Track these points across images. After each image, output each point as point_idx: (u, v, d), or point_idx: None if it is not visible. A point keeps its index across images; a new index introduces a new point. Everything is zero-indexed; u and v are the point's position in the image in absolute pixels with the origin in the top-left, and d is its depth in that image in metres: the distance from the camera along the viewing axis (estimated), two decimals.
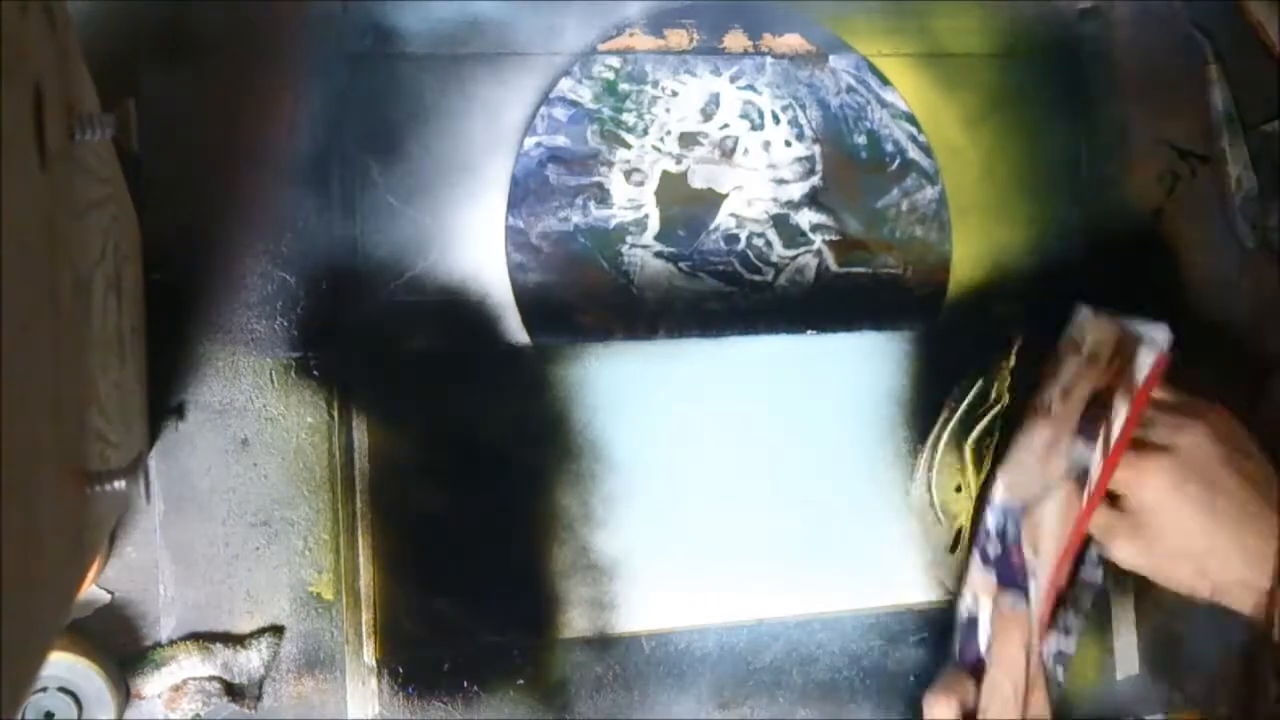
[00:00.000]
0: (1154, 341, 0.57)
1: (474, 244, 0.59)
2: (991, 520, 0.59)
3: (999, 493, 0.59)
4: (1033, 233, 0.65)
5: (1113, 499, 0.56)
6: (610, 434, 0.59)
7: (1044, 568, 0.56)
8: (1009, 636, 0.56)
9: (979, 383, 0.62)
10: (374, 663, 0.57)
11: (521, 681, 0.58)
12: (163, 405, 0.55)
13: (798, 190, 0.63)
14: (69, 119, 0.34)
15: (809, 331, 0.62)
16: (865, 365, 0.62)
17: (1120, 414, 0.56)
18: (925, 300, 0.64)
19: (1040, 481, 0.57)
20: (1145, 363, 0.57)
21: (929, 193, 0.64)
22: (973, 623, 0.59)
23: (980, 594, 0.59)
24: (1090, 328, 0.59)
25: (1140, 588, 0.65)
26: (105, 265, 0.40)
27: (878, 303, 0.63)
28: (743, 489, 0.61)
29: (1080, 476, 0.56)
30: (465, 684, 0.58)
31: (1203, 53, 0.68)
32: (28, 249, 0.27)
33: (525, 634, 0.59)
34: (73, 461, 0.33)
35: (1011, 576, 0.57)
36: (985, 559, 0.59)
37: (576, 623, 0.59)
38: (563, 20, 0.60)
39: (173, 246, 0.56)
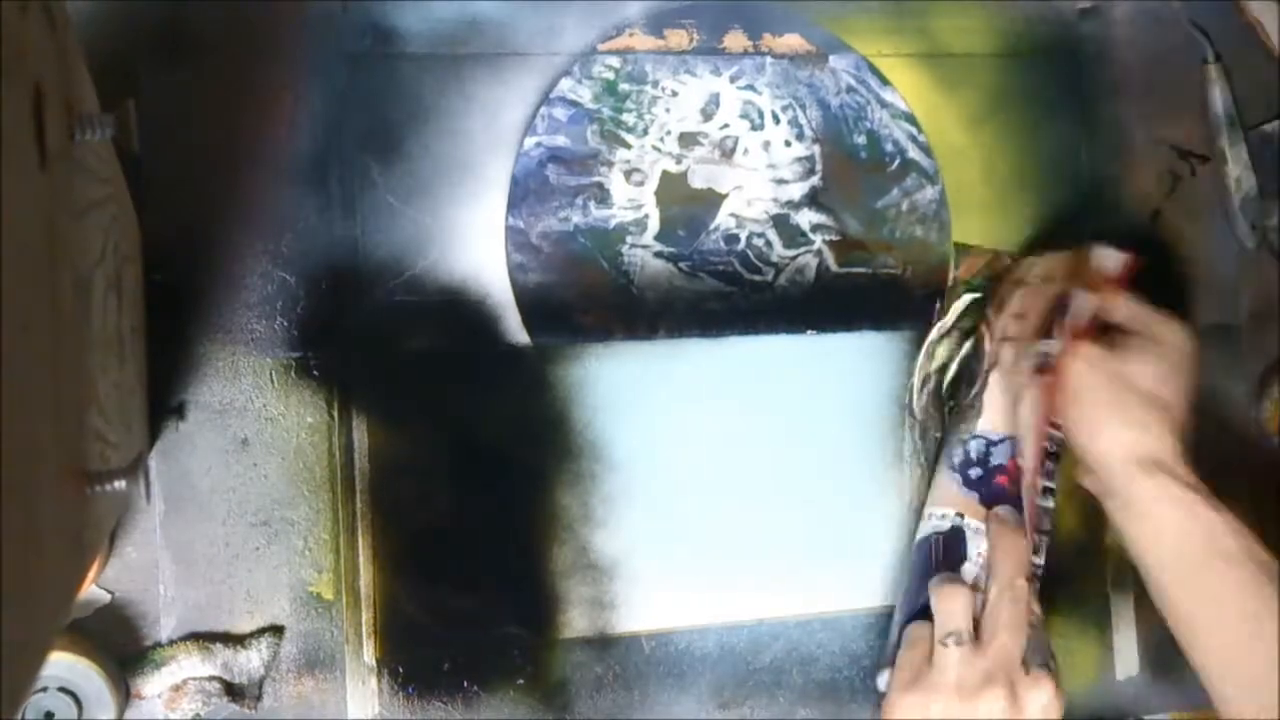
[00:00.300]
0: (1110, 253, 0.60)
1: (474, 244, 0.59)
2: (974, 446, 0.60)
3: (983, 422, 0.60)
4: (1032, 233, 0.65)
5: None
6: (610, 434, 0.60)
7: (1028, 458, 0.58)
8: (1014, 541, 0.56)
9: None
10: (374, 662, 0.57)
11: (521, 681, 0.59)
12: (163, 405, 0.55)
13: (798, 190, 0.63)
14: (69, 119, 0.34)
15: (809, 331, 0.62)
16: (865, 365, 0.62)
17: (1080, 298, 0.58)
18: (925, 300, 0.64)
19: (1016, 399, 0.59)
20: (1110, 261, 0.59)
21: (929, 193, 0.65)
22: (958, 533, 0.59)
23: (966, 514, 0.59)
24: (1030, 265, 0.62)
25: (1141, 588, 0.65)
26: (105, 265, 0.40)
27: (877, 303, 0.63)
28: (743, 489, 0.61)
29: (1044, 365, 0.58)
30: (465, 684, 0.58)
31: (1202, 52, 0.68)
32: (28, 249, 0.27)
33: (525, 634, 0.59)
34: (73, 461, 0.33)
35: (995, 497, 0.59)
36: (968, 482, 0.60)
37: (576, 622, 0.59)
38: (562, 20, 0.60)
39: (173, 246, 0.56)
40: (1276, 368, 0.67)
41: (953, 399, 0.63)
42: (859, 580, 0.62)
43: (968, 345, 0.63)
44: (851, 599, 0.62)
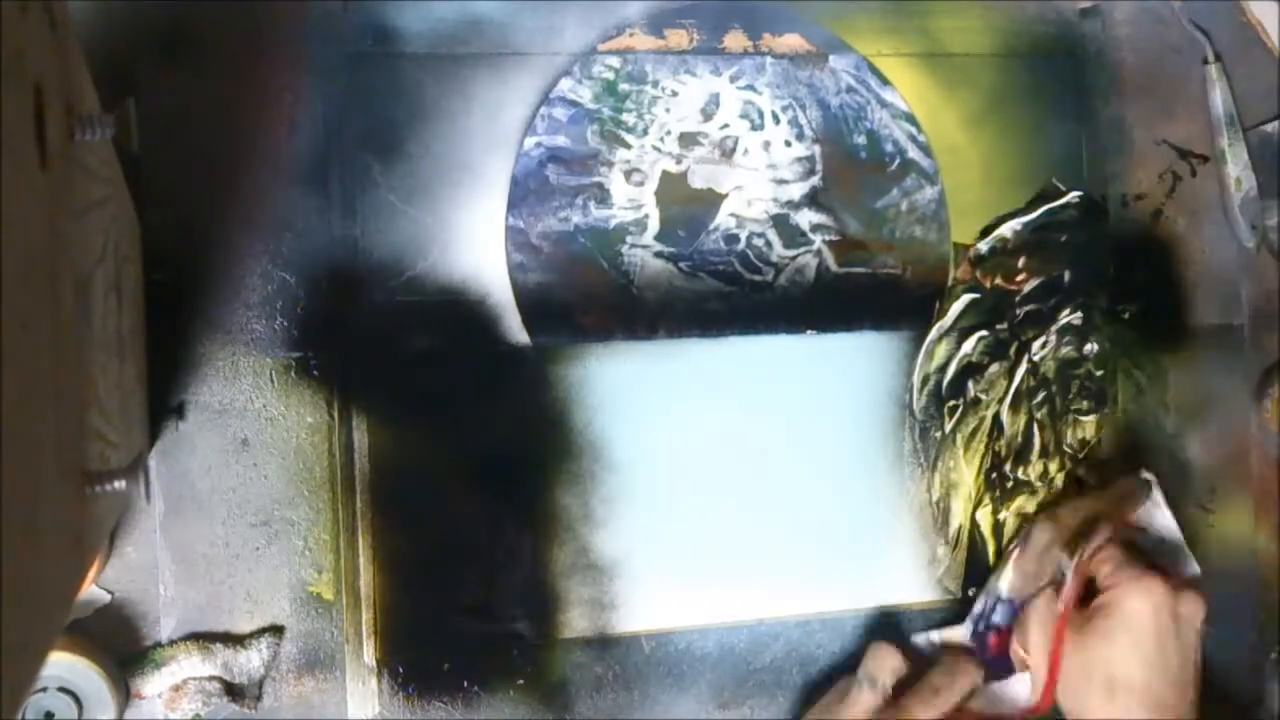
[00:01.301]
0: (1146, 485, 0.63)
1: (474, 244, 0.59)
2: (988, 601, 0.61)
3: (1001, 582, 0.60)
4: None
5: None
6: (610, 434, 0.60)
7: (1038, 669, 0.59)
8: (960, 667, 0.58)
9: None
10: (374, 663, 0.57)
11: (521, 681, 0.59)
12: (163, 405, 0.55)
13: (798, 190, 0.63)
14: (69, 119, 0.34)
15: (809, 331, 0.62)
16: (865, 365, 0.62)
17: (1094, 539, 0.58)
18: (925, 300, 0.64)
19: (1036, 584, 0.60)
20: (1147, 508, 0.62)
21: (928, 193, 0.64)
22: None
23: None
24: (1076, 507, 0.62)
25: None
26: (105, 265, 0.40)
27: (877, 303, 0.63)
28: (743, 489, 0.61)
29: (1059, 582, 0.59)
30: (465, 684, 0.58)
31: (1203, 52, 0.68)
32: (28, 249, 0.27)
33: (525, 634, 0.59)
34: (73, 461, 0.33)
35: (983, 651, 0.60)
36: (974, 634, 0.61)
37: (576, 623, 0.59)
38: (563, 20, 0.60)
39: (173, 246, 0.56)
40: (1277, 367, 0.67)
41: (953, 399, 0.63)
42: (859, 580, 0.62)
43: (967, 344, 0.63)
44: (851, 599, 0.62)
